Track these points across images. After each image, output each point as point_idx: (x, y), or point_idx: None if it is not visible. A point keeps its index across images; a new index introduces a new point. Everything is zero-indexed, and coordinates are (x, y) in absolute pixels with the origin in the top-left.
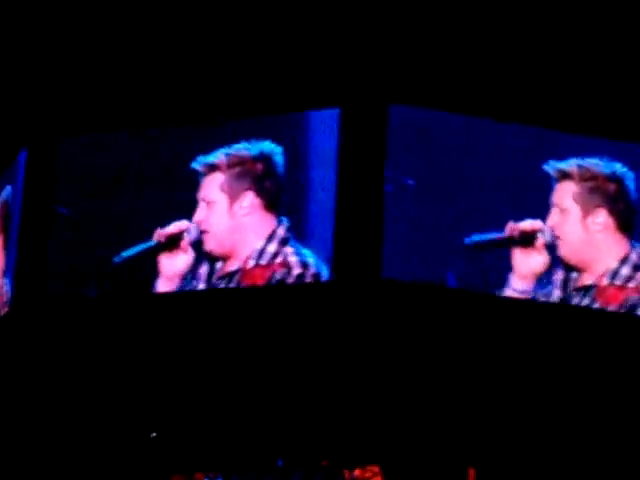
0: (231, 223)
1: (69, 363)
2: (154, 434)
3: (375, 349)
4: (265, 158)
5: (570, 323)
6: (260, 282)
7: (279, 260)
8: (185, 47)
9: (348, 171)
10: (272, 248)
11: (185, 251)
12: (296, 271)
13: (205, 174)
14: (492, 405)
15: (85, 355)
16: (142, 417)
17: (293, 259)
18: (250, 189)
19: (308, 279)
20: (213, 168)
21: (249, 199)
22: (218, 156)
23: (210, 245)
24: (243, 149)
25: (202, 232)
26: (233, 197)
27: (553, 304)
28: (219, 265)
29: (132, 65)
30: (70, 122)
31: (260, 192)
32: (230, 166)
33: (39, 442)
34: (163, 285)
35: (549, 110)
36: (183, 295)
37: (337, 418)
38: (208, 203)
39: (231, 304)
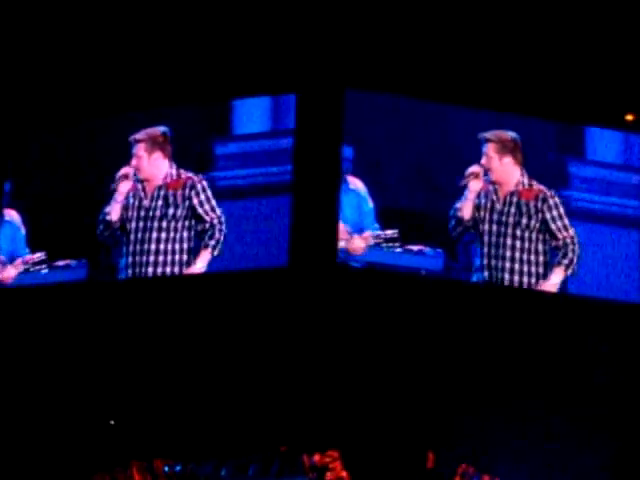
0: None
1: (30, 349)
2: (113, 421)
3: (333, 334)
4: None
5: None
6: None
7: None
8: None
9: (304, 158)
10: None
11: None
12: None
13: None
14: (451, 387)
15: (46, 341)
16: (102, 404)
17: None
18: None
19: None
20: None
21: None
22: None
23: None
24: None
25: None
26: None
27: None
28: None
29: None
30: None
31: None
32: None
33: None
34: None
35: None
36: (144, 281)
37: (296, 404)
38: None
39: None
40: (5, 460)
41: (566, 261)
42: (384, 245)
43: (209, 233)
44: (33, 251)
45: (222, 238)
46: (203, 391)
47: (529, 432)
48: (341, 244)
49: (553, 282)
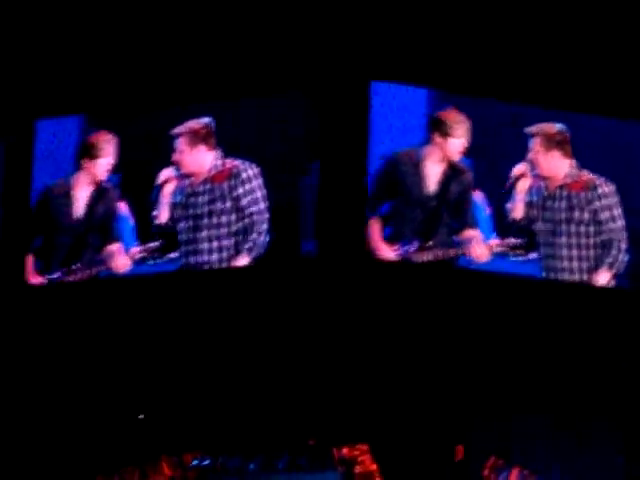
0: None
1: (54, 346)
2: (142, 416)
3: (363, 326)
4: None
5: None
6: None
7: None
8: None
9: (331, 151)
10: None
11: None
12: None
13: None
14: (480, 383)
15: (71, 338)
16: (131, 398)
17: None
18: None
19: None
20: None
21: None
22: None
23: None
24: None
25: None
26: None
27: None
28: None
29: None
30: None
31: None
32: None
33: (26, 423)
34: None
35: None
36: (169, 275)
37: (325, 397)
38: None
39: (217, 285)
40: (37, 451)
41: (610, 259)
42: (510, 254)
43: (245, 233)
44: (143, 242)
45: (261, 238)
46: (233, 384)
47: (559, 424)
48: (470, 250)
49: (600, 282)
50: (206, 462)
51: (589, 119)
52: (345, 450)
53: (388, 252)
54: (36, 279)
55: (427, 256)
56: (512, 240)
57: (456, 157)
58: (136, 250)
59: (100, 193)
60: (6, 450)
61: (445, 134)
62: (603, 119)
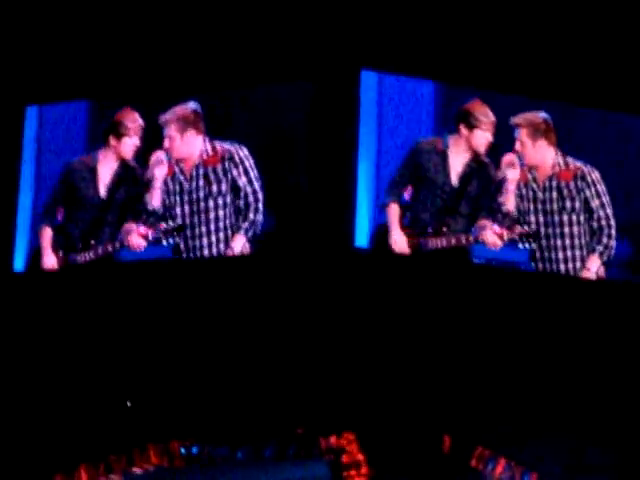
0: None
1: (42, 333)
2: (129, 403)
3: (350, 316)
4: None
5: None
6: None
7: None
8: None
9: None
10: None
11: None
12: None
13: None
14: (466, 372)
15: (60, 324)
16: (119, 386)
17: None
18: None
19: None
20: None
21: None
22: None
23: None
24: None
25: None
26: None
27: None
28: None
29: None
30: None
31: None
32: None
33: (12, 410)
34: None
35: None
36: (164, 263)
37: (313, 386)
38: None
39: (212, 273)
40: (22, 439)
41: (600, 247)
42: (522, 241)
43: (243, 213)
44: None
45: (258, 218)
46: (221, 373)
47: (548, 415)
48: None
49: (591, 270)
50: (194, 450)
51: (570, 107)
52: (332, 439)
53: (402, 242)
54: (50, 259)
55: (441, 242)
56: (520, 229)
57: (481, 149)
58: (148, 230)
59: (125, 171)
60: None
61: (471, 126)
62: (584, 108)
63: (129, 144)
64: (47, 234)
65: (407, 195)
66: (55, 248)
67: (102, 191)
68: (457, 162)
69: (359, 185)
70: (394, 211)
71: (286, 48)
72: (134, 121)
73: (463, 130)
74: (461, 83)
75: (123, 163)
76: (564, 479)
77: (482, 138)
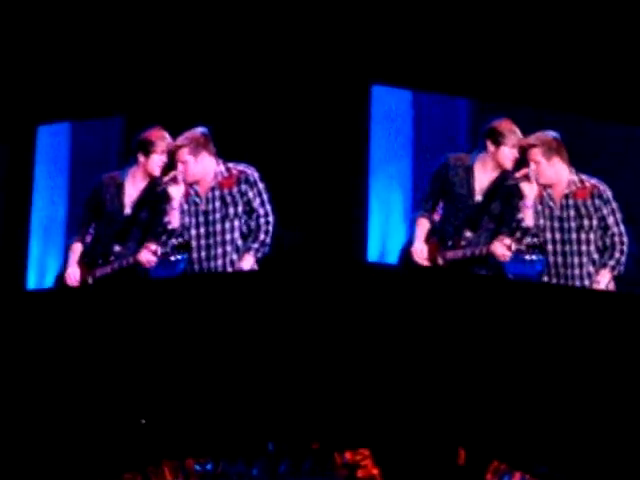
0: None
1: (57, 348)
2: (144, 420)
3: (364, 330)
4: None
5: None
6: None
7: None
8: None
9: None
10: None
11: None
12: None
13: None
14: (481, 387)
15: (72, 340)
16: (133, 402)
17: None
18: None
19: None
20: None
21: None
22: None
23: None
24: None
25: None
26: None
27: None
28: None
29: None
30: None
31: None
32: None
33: (27, 426)
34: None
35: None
36: (173, 279)
37: (328, 401)
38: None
39: (224, 288)
40: (37, 454)
41: (612, 262)
42: (529, 253)
43: (253, 234)
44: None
45: (267, 239)
46: (236, 388)
47: (563, 428)
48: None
49: (601, 284)
50: (208, 467)
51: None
52: (347, 454)
53: (422, 252)
54: (75, 273)
55: (456, 254)
56: (528, 240)
57: (508, 166)
58: (158, 247)
59: (152, 189)
60: (7, 453)
61: (498, 143)
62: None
63: (157, 161)
64: (77, 249)
65: (437, 216)
66: (81, 264)
67: (127, 208)
68: (483, 178)
69: (372, 200)
70: (421, 224)
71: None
72: (163, 139)
73: (490, 147)
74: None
75: (151, 182)
76: None
77: (509, 154)
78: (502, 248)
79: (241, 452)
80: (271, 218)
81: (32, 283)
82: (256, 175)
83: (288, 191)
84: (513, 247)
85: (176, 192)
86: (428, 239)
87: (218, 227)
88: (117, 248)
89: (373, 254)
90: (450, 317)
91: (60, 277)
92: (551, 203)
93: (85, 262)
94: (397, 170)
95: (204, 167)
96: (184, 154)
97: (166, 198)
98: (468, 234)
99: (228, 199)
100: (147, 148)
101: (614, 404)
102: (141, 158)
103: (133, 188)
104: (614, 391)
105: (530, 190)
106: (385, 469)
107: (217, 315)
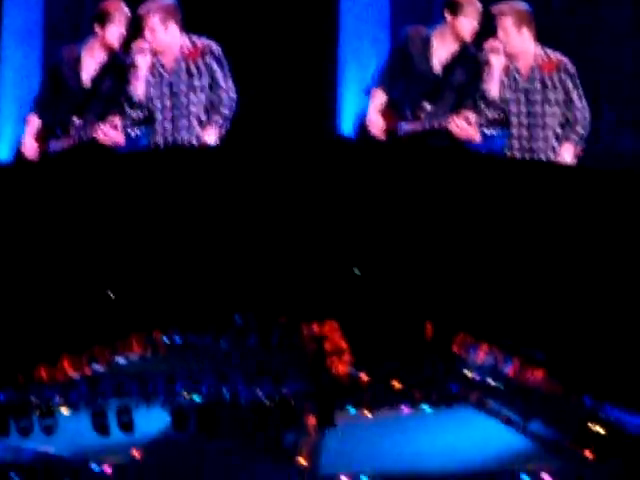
0: None
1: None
2: (111, 294)
3: (327, 202)
4: None
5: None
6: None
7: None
8: None
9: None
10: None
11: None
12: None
13: None
14: (448, 259)
15: (32, 214)
16: (99, 278)
17: None
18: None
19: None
20: None
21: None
22: None
23: None
24: None
25: None
26: None
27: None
28: None
29: None
30: None
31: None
32: None
33: None
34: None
35: None
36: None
37: (295, 272)
38: None
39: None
40: (3, 329)
41: (575, 137)
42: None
43: (216, 107)
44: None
45: (230, 115)
46: (202, 261)
47: (529, 302)
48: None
49: (564, 158)
50: (176, 339)
51: None
52: (315, 327)
53: (378, 123)
54: (31, 148)
55: (415, 127)
56: (490, 114)
57: (467, 36)
58: (117, 120)
59: (113, 60)
60: None
61: (456, 13)
62: None
63: (114, 32)
64: (34, 123)
65: (395, 88)
66: (39, 138)
67: (86, 80)
68: (442, 51)
69: (345, 72)
70: (377, 95)
71: None
72: (120, 10)
73: (448, 17)
74: None
75: (110, 53)
76: (547, 364)
77: (467, 25)
78: (462, 122)
79: (209, 325)
80: (233, 94)
81: None
82: (220, 49)
83: (254, 66)
84: (473, 120)
85: (142, 62)
86: (385, 111)
87: (183, 99)
88: (77, 121)
89: (347, 128)
90: (411, 190)
91: (17, 150)
92: (517, 75)
93: (42, 136)
94: (372, 43)
95: (171, 37)
96: (153, 21)
97: (131, 68)
98: (427, 106)
99: (194, 71)
100: (104, 19)
101: (576, 277)
102: (98, 30)
103: (91, 60)
104: (576, 263)
105: (497, 61)
106: (353, 342)
107: (182, 189)
